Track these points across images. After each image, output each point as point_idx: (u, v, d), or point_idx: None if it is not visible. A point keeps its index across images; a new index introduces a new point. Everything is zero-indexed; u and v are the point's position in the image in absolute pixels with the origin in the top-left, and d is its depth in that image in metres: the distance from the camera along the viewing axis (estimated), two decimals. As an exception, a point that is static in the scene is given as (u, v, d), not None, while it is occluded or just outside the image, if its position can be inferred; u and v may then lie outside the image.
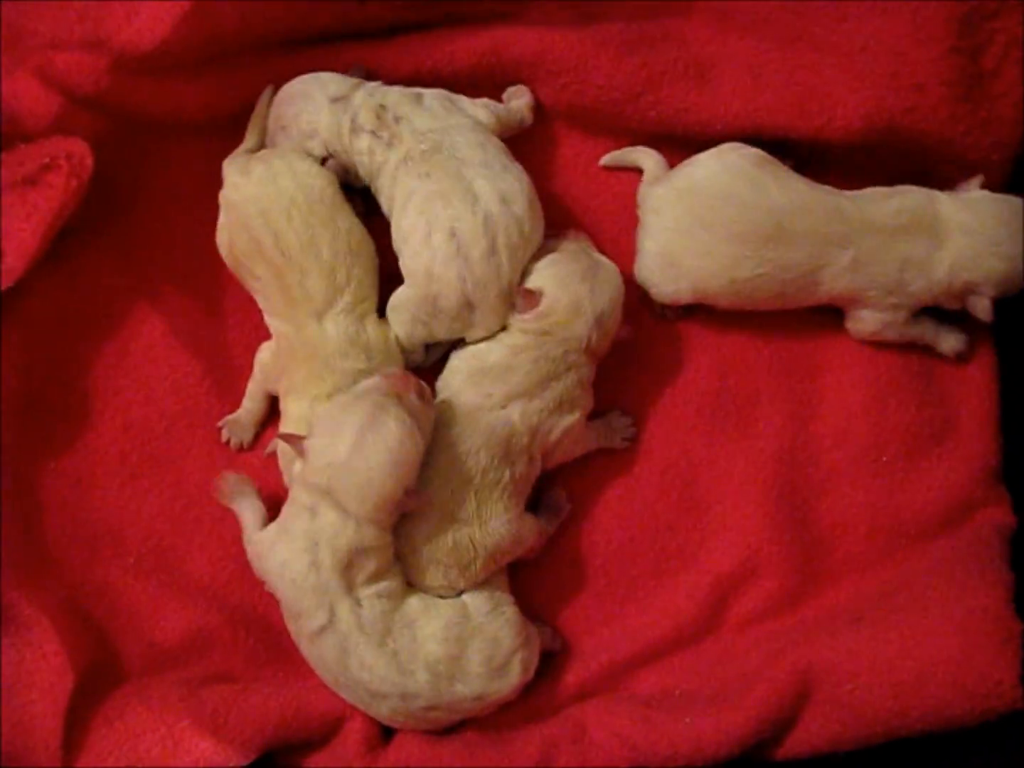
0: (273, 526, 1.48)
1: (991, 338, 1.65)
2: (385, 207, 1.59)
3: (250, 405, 1.61)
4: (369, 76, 1.63)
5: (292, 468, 1.52)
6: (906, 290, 1.57)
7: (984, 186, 1.59)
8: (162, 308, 1.63)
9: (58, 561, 1.56)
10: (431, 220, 1.51)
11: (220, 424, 1.62)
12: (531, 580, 1.58)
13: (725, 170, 1.59)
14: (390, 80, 1.63)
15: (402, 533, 1.48)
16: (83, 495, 1.59)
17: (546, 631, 1.56)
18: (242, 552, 1.57)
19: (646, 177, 1.66)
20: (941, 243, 1.55)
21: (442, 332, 1.55)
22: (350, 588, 1.43)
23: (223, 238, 1.57)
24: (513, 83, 1.66)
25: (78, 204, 1.56)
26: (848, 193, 1.59)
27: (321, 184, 1.56)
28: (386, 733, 1.49)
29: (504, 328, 1.55)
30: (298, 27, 1.62)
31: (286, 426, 1.53)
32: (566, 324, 1.51)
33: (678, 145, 1.67)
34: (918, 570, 1.53)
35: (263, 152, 1.60)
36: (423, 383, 1.48)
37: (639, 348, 1.65)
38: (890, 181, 1.60)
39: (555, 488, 1.60)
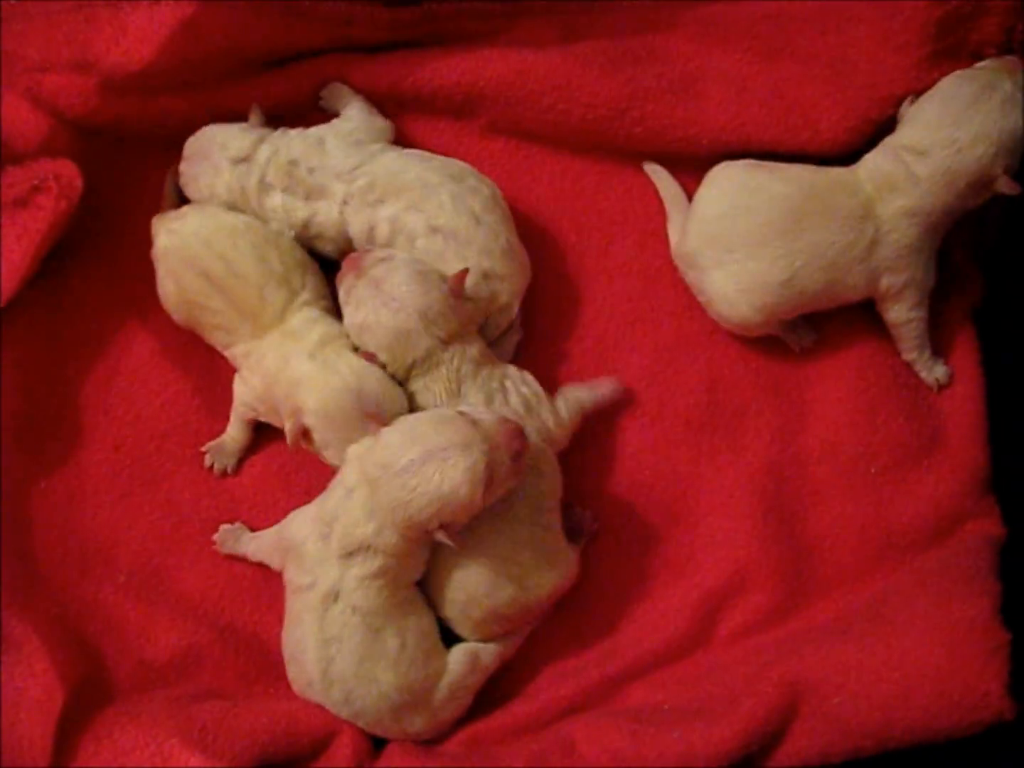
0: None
1: (977, 349, 1.65)
2: (333, 252, 1.62)
3: (235, 433, 1.61)
4: (270, 120, 1.64)
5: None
6: (930, 237, 1.56)
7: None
8: (152, 327, 1.64)
9: (48, 579, 1.56)
10: (409, 235, 1.55)
11: (204, 449, 1.62)
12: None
13: (719, 191, 1.60)
14: (372, 97, 1.65)
15: (460, 587, 1.48)
16: (74, 513, 1.60)
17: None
18: (232, 569, 1.59)
19: (671, 239, 1.67)
20: (917, 178, 1.54)
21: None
22: (342, 576, 1.43)
23: (168, 289, 1.57)
24: (496, 103, 1.65)
25: (68, 225, 1.57)
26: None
27: (255, 221, 1.59)
28: (375, 748, 1.49)
29: None
30: (285, 45, 1.63)
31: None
32: (400, 359, 1.51)
33: (665, 161, 1.69)
34: (906, 582, 1.53)
35: (193, 204, 1.62)
36: (527, 448, 1.44)
37: (628, 363, 1.66)
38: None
39: (574, 508, 1.60)
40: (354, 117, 1.63)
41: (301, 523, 1.48)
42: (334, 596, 1.43)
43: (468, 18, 1.66)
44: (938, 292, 1.63)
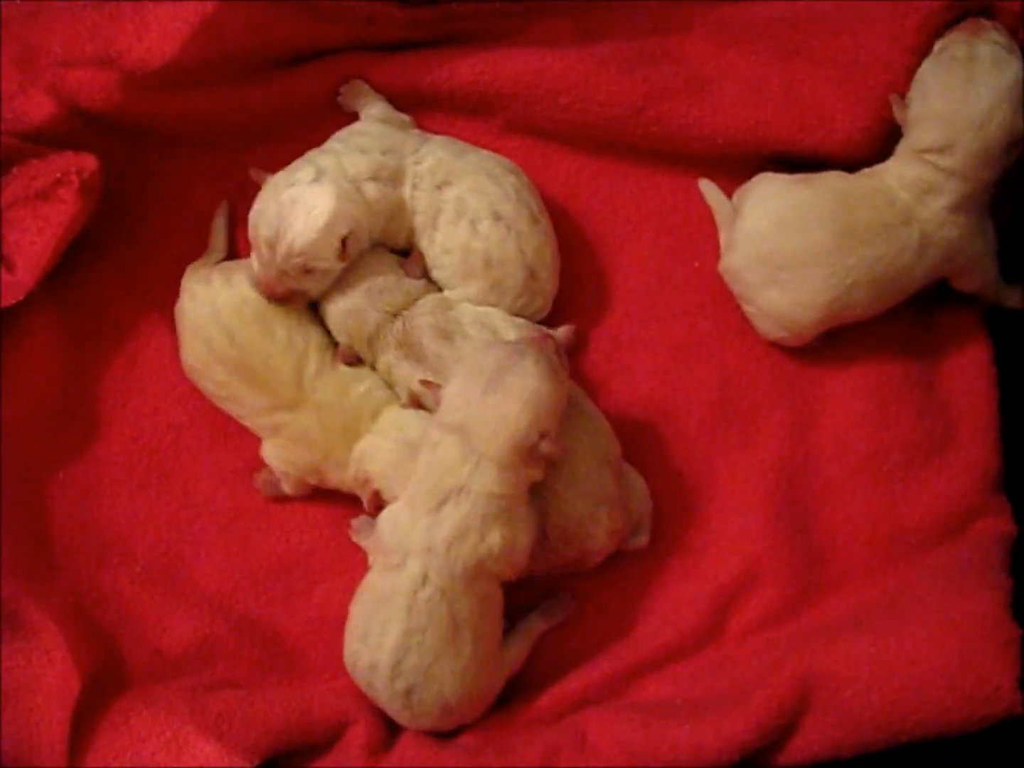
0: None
1: (989, 347, 1.65)
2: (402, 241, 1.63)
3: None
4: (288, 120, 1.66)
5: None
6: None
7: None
8: (170, 321, 1.63)
9: (66, 568, 1.58)
10: (473, 217, 1.57)
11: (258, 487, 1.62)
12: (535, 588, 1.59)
13: (764, 208, 1.60)
14: (390, 95, 1.66)
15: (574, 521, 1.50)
16: (91, 504, 1.61)
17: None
18: (248, 561, 1.61)
19: (722, 250, 1.67)
20: (951, 171, 1.53)
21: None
22: (432, 543, 1.41)
23: (182, 350, 1.58)
24: (513, 101, 1.67)
25: (88, 218, 1.59)
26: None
27: None
28: (389, 738, 1.49)
29: None
30: (305, 43, 1.65)
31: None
32: (356, 337, 1.56)
33: (680, 160, 1.70)
34: (918, 577, 1.53)
35: (226, 263, 1.62)
36: (559, 345, 1.50)
37: (641, 361, 1.67)
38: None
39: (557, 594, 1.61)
40: (379, 106, 1.65)
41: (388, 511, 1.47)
42: (423, 578, 1.42)
43: (486, 17, 1.67)
44: (947, 292, 1.65)
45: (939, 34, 1.56)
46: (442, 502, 1.42)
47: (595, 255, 1.70)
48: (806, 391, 1.66)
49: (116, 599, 1.58)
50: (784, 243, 1.57)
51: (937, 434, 1.63)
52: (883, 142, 1.62)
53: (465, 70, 1.65)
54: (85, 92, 1.57)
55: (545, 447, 1.41)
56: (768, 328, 1.63)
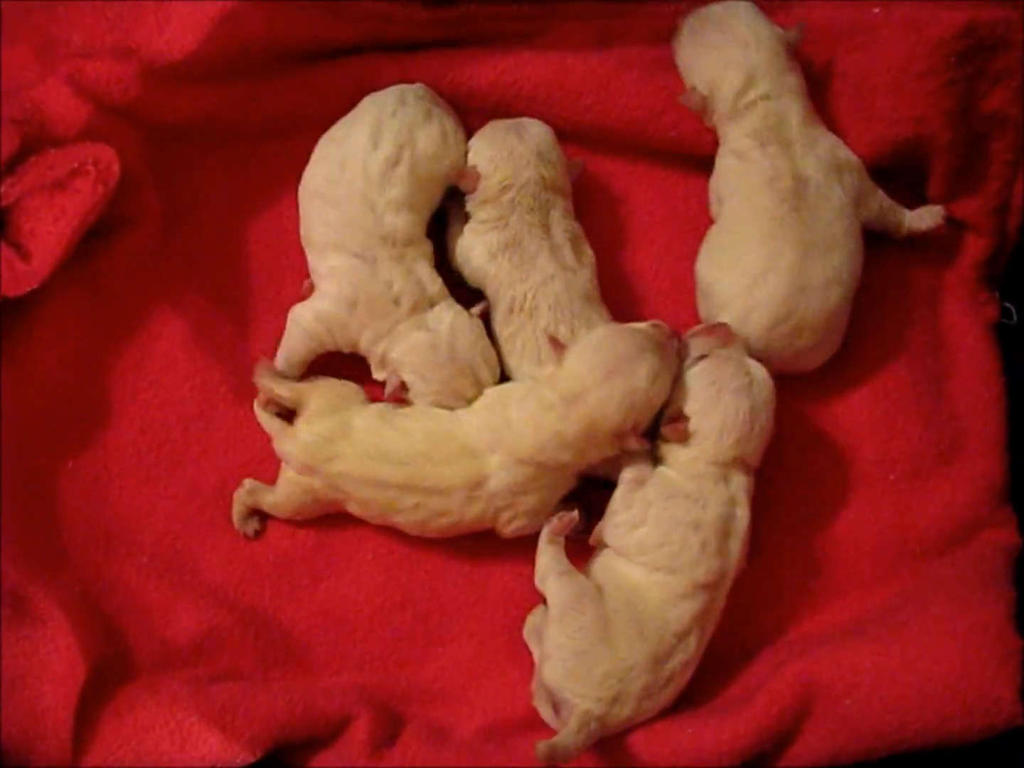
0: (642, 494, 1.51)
1: (998, 359, 1.66)
2: None
3: None
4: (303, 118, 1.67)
5: None
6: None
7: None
8: (183, 313, 1.65)
9: (74, 557, 1.58)
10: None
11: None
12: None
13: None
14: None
15: None
16: (100, 494, 1.61)
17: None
18: (254, 554, 1.62)
19: None
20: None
21: None
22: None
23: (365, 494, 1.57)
24: (533, 103, 1.67)
25: (104, 209, 1.59)
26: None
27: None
28: (392, 733, 1.50)
29: None
30: (324, 40, 1.65)
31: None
32: (500, 174, 1.61)
33: (696, 164, 1.70)
34: (922, 587, 1.54)
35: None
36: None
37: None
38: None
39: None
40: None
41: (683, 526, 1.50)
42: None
43: (505, 19, 1.68)
44: (956, 308, 1.67)
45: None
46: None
47: (608, 257, 1.70)
48: (814, 398, 1.66)
49: (123, 589, 1.58)
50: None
51: (944, 444, 1.63)
52: (888, 160, 1.64)
53: (486, 71, 1.66)
54: (104, 83, 1.57)
55: (632, 442, 1.49)
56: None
